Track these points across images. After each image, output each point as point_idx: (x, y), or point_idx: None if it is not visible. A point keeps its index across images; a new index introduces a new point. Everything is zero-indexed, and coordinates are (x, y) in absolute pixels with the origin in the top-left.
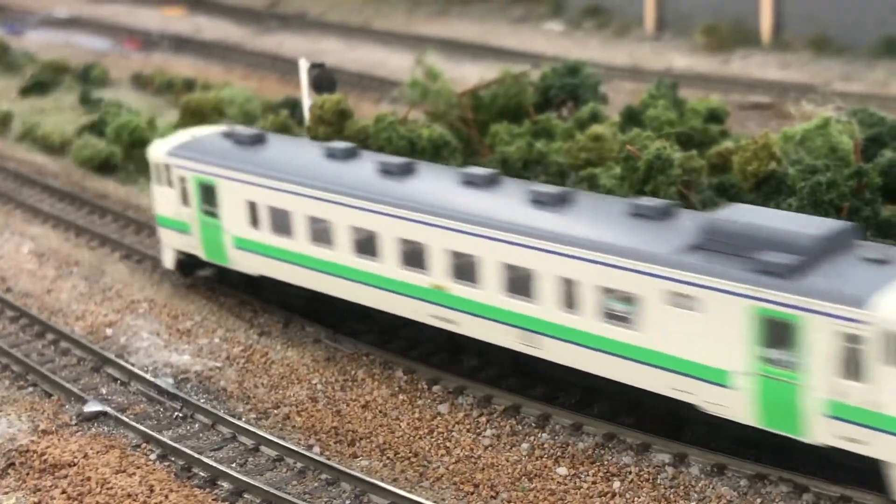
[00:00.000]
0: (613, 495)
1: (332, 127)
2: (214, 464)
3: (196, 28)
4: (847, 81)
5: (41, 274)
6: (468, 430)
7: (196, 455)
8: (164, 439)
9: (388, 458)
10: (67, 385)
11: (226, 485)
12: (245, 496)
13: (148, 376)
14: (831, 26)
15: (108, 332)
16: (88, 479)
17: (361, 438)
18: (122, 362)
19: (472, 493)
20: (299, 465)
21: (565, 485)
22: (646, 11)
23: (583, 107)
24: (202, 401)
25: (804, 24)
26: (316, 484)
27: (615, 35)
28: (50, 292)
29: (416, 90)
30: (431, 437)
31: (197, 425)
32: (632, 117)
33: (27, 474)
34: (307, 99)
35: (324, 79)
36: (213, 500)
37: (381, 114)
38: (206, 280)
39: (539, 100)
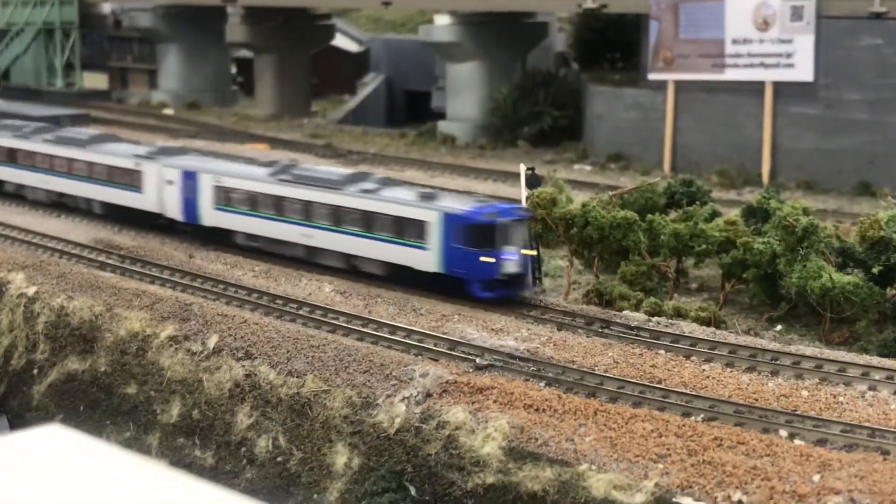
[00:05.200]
0: None
1: (545, 210)
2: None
3: (291, 160)
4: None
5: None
6: None
7: (573, 381)
8: (549, 375)
9: None
10: (454, 353)
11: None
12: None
13: (498, 349)
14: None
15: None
16: (511, 393)
17: None
18: (471, 342)
19: None
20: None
21: None
22: (664, 159)
23: (703, 206)
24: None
25: (795, 171)
26: None
27: (639, 174)
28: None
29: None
30: None
31: (551, 374)
32: (752, 212)
33: (461, 394)
34: (524, 191)
35: (534, 178)
36: (598, 403)
37: (586, 202)
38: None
39: (667, 201)
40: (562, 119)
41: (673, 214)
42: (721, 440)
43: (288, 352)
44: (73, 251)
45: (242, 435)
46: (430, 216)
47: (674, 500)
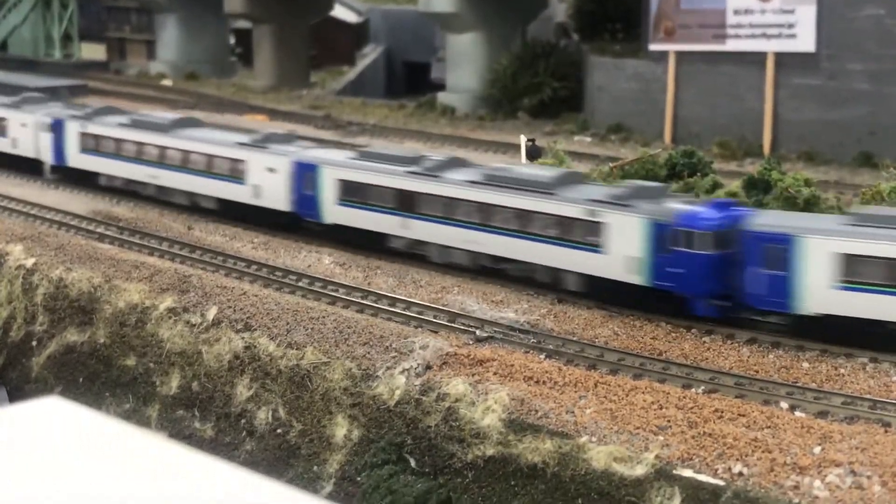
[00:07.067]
0: None
1: None
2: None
3: (291, 131)
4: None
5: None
6: None
7: (574, 353)
8: (549, 347)
9: None
10: (454, 325)
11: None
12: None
13: (498, 321)
14: (818, 144)
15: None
16: (511, 365)
17: None
18: (471, 314)
19: None
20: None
21: None
22: (665, 130)
23: (704, 178)
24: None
25: (796, 142)
26: None
27: (640, 145)
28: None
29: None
30: None
31: (551, 346)
32: (753, 183)
33: (461, 366)
34: (524, 162)
35: (534, 149)
36: (598, 375)
37: (586, 173)
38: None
39: (668, 172)
40: (562, 90)
41: (674, 186)
42: (722, 412)
43: (287, 324)
44: (72, 223)
45: (242, 407)
46: None
47: (674, 471)
